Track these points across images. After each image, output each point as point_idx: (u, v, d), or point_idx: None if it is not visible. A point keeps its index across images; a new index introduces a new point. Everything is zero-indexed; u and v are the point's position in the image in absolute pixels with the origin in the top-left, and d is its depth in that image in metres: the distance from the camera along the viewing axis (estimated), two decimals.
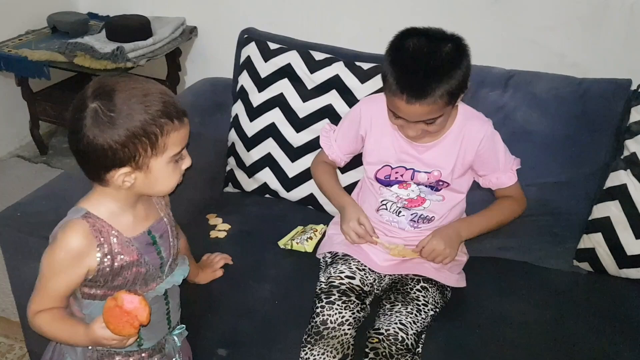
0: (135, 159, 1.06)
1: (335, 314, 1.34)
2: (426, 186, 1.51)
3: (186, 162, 1.15)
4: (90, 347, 1.18)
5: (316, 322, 1.34)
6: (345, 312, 1.35)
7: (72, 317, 1.17)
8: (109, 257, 1.11)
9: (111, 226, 1.12)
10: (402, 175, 1.50)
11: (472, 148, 1.48)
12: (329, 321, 1.33)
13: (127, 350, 1.20)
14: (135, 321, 1.04)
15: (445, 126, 1.45)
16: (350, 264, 1.48)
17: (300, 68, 1.79)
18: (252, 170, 1.85)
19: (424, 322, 1.37)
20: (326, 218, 1.73)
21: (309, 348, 1.31)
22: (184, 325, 1.31)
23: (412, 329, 1.34)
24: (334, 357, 1.30)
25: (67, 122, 1.08)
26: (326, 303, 1.36)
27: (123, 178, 1.07)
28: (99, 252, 1.10)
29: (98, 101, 1.03)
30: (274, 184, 1.83)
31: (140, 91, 1.05)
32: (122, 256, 1.13)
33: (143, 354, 1.23)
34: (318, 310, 1.36)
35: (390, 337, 1.31)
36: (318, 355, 1.30)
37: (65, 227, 1.10)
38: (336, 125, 1.66)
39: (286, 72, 1.81)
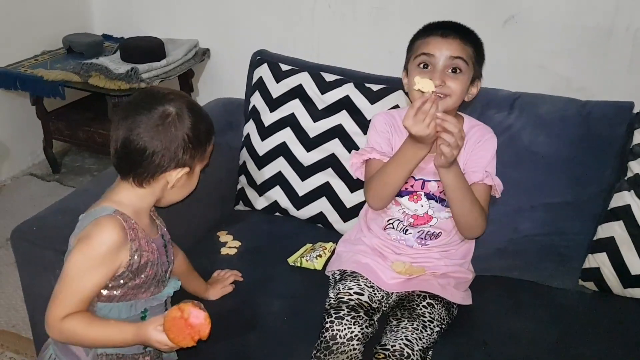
0: (194, 161, 1.20)
1: (345, 329, 1.36)
2: (436, 200, 1.53)
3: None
4: (99, 353, 1.21)
5: (325, 337, 1.36)
6: (354, 328, 1.37)
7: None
8: (138, 252, 1.17)
9: (137, 224, 1.18)
10: (412, 186, 1.52)
11: (468, 150, 1.52)
12: (338, 336, 1.35)
13: (133, 353, 1.24)
14: (196, 335, 1.10)
15: (460, 92, 1.44)
16: (358, 280, 1.50)
17: (311, 89, 1.84)
18: (262, 188, 1.89)
19: (429, 338, 1.39)
20: (335, 236, 1.76)
21: None
22: None
23: (417, 345, 1.35)
24: None
25: (128, 128, 1.15)
26: (335, 318, 1.38)
27: (177, 177, 1.19)
28: (131, 246, 1.16)
29: (175, 107, 1.16)
30: (284, 202, 1.86)
31: (199, 106, 1.23)
32: (146, 253, 1.19)
33: (147, 358, 1.26)
34: (327, 325, 1.38)
35: (396, 353, 1.33)
36: None
37: (98, 224, 1.14)
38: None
39: (297, 92, 1.85)
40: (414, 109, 1.32)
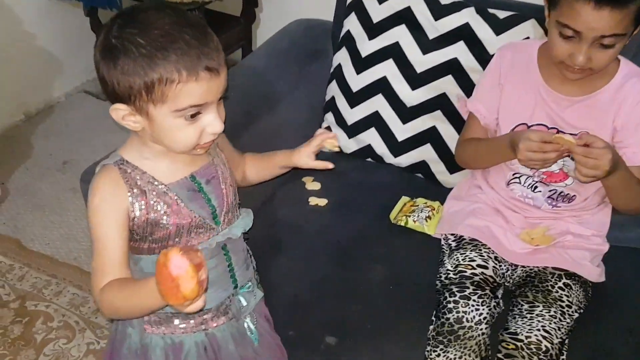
0: (132, 100, 0.96)
1: (472, 310, 1.17)
2: (572, 157, 1.27)
3: (212, 126, 1.00)
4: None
5: (449, 319, 1.17)
6: (483, 309, 1.18)
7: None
8: (142, 203, 1.01)
9: (145, 172, 1.03)
10: None
11: (627, 110, 1.26)
12: (464, 319, 1.16)
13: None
14: (178, 292, 0.84)
15: (609, 64, 1.23)
16: (480, 250, 1.29)
17: (422, 13, 1.59)
18: (354, 130, 1.67)
19: (568, 327, 1.19)
20: (438, 189, 1.57)
21: (441, 349, 1.15)
22: (251, 284, 1.16)
23: (557, 337, 1.16)
24: None
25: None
26: (460, 298, 1.19)
27: (125, 117, 0.98)
28: (130, 196, 1.01)
29: (117, 29, 0.94)
30: (380, 147, 1.64)
31: (163, 30, 0.93)
32: (160, 204, 1.02)
33: (205, 316, 1.09)
34: (451, 305, 1.19)
35: (532, 346, 1.13)
36: (454, 358, 1.14)
37: (96, 174, 1.04)
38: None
39: (404, 17, 1.60)
40: (536, 144, 1.19)
